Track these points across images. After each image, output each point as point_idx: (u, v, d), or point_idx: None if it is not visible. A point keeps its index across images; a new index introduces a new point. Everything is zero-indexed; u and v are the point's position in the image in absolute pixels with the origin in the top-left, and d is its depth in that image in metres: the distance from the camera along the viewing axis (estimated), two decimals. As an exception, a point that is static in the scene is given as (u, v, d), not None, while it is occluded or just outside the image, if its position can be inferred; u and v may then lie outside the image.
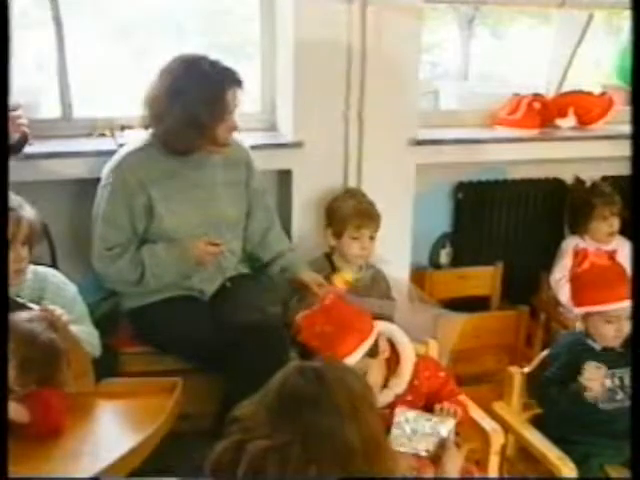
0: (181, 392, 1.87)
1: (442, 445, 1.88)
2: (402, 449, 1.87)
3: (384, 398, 1.98)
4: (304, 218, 2.82)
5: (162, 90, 2.26)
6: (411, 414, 1.92)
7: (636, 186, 1.90)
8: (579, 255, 2.27)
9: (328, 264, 2.67)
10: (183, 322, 2.32)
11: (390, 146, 2.82)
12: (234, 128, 2.36)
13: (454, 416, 1.96)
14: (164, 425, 1.75)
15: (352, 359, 1.88)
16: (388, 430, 1.95)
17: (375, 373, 1.97)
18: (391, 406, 1.96)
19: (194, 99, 2.23)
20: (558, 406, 2.23)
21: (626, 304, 2.18)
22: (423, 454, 1.89)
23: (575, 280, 2.29)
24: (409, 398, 2.02)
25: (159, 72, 2.29)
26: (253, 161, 2.54)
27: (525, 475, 2.34)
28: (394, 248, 2.82)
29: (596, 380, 2.15)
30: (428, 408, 2.06)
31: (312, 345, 1.92)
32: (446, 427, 1.91)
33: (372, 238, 2.65)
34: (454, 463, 1.84)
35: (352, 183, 2.82)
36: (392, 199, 2.74)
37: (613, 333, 2.21)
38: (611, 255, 2.22)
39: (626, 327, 2.21)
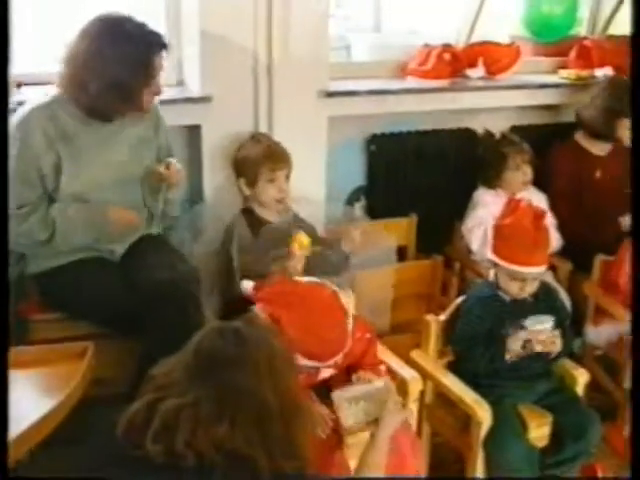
0: (94, 357, 1.82)
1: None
2: (365, 427, 1.87)
3: None
4: (215, 174, 2.75)
5: (83, 51, 2.16)
6: (347, 393, 1.93)
7: (636, 186, 1.91)
8: (510, 205, 2.27)
9: (247, 219, 2.60)
10: (92, 284, 2.25)
11: (301, 99, 2.77)
12: (158, 93, 2.30)
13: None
14: (76, 391, 1.70)
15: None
16: (311, 386, 1.98)
17: None
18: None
19: (119, 63, 2.15)
20: (478, 366, 2.29)
21: (536, 270, 2.23)
22: None
23: (497, 229, 2.30)
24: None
25: (80, 32, 2.18)
26: (161, 117, 2.47)
27: (444, 419, 2.40)
28: (308, 202, 2.78)
29: (518, 342, 2.22)
30: (350, 370, 2.09)
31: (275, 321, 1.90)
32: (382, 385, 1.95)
33: (288, 178, 2.60)
34: (390, 420, 1.84)
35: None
36: (304, 152, 2.71)
37: (516, 290, 2.27)
38: (539, 215, 2.22)
39: (529, 287, 2.26)
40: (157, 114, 2.46)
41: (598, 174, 3.31)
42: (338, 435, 1.98)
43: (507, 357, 2.24)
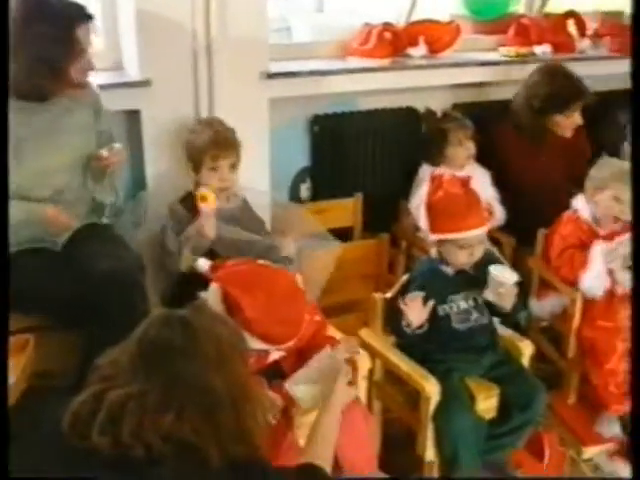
0: (36, 349, 1.79)
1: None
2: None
3: None
4: (157, 160, 2.71)
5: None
6: (299, 378, 1.94)
7: (636, 186, 1.92)
8: (434, 182, 2.30)
9: (189, 205, 2.54)
10: (35, 275, 2.19)
11: (242, 80, 2.74)
12: (89, 68, 2.24)
13: None
14: (18, 384, 1.67)
15: None
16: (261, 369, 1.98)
17: None
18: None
19: (43, 39, 2.09)
20: (424, 341, 2.32)
21: (478, 232, 2.26)
22: None
23: (430, 208, 2.34)
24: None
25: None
26: (101, 103, 2.42)
27: (393, 396, 2.43)
28: (253, 184, 2.76)
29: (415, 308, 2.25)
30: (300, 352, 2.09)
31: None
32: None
33: (234, 167, 2.55)
34: (339, 396, 1.84)
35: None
36: (247, 135, 2.67)
37: (466, 258, 2.30)
38: (464, 182, 2.28)
39: (477, 252, 2.30)
40: (97, 99, 2.41)
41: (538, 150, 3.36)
42: (288, 417, 1.99)
43: (455, 327, 2.29)
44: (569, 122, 3.24)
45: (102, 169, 2.36)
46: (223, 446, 1.33)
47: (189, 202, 2.51)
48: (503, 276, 2.25)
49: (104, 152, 2.31)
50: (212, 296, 1.95)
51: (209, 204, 2.38)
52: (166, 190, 2.66)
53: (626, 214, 2.76)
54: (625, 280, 2.77)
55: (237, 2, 2.65)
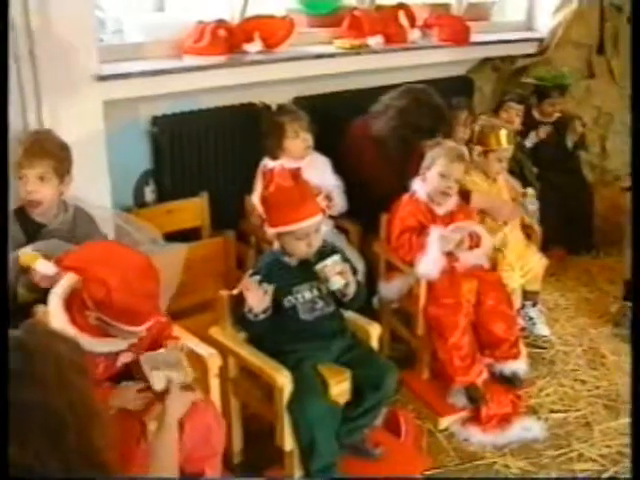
0: None
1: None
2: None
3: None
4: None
5: None
6: (150, 360, 1.95)
7: (636, 185, 1.96)
8: (266, 176, 2.33)
9: (20, 221, 2.39)
10: None
11: (71, 84, 2.65)
12: None
13: None
14: None
15: None
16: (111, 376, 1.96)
17: None
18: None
19: None
20: (273, 333, 2.35)
21: (312, 221, 2.30)
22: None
23: (264, 203, 2.36)
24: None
25: None
26: None
27: (249, 391, 2.44)
28: (92, 190, 2.68)
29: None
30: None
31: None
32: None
33: (43, 179, 2.33)
34: (175, 404, 1.87)
35: (34, 127, 2.60)
36: (81, 140, 2.59)
37: (305, 248, 2.33)
38: (295, 174, 2.31)
39: (315, 241, 2.34)
40: None
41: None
42: (142, 424, 1.97)
43: (302, 317, 2.33)
44: (431, 143, 3.25)
45: None
46: (70, 469, 1.28)
47: (20, 219, 2.39)
48: (330, 260, 2.30)
49: None
50: (66, 285, 1.93)
51: (37, 267, 2.12)
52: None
53: (452, 189, 2.91)
54: (466, 258, 2.92)
55: (59, 3, 2.56)
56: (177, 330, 2.23)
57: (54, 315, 1.93)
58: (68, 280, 1.95)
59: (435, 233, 2.83)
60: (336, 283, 2.30)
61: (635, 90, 2.21)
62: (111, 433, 1.43)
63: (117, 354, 2.02)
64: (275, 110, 3.26)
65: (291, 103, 3.43)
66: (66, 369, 1.33)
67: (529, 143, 4.12)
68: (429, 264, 2.81)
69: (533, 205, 3.42)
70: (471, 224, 2.96)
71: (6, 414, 1.25)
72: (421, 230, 2.89)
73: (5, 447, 1.24)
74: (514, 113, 4.00)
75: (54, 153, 2.39)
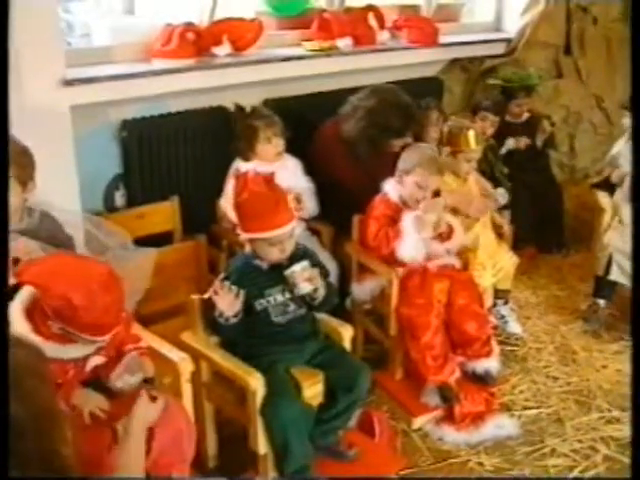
0: None
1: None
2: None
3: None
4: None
5: None
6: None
7: (636, 185, 1.96)
8: (239, 181, 2.31)
9: None
10: None
11: (37, 89, 2.61)
12: None
13: None
14: None
15: None
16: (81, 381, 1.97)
17: None
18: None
19: None
20: (246, 336, 2.34)
21: (286, 229, 2.29)
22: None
23: (237, 209, 2.34)
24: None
25: None
26: None
27: (223, 395, 2.43)
28: (61, 196, 2.64)
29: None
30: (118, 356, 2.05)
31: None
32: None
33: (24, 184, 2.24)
34: (140, 414, 1.86)
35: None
36: (49, 145, 2.55)
37: (278, 254, 2.32)
38: (268, 179, 2.29)
39: (288, 246, 2.33)
40: None
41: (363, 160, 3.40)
42: (113, 430, 1.95)
43: (274, 320, 2.33)
44: (400, 142, 3.32)
45: None
46: (26, 473, 1.27)
47: None
48: (299, 266, 2.31)
49: None
50: (26, 295, 1.90)
51: None
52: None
53: (427, 198, 2.92)
54: (437, 250, 2.93)
55: (23, 8, 2.53)
56: (149, 335, 2.22)
57: (16, 325, 1.90)
58: (28, 290, 1.92)
59: (408, 217, 2.85)
60: (304, 288, 2.30)
61: (635, 90, 2.22)
62: (75, 439, 1.42)
63: (86, 358, 1.99)
64: (249, 113, 3.25)
65: (262, 106, 3.41)
66: (25, 375, 1.32)
67: (504, 150, 4.14)
68: (410, 248, 2.82)
69: (503, 198, 3.48)
70: (440, 201, 2.96)
71: (6, 414, 1.24)
72: (395, 224, 2.90)
73: (5, 447, 1.23)
74: (489, 124, 4.00)
75: (14, 159, 2.18)
